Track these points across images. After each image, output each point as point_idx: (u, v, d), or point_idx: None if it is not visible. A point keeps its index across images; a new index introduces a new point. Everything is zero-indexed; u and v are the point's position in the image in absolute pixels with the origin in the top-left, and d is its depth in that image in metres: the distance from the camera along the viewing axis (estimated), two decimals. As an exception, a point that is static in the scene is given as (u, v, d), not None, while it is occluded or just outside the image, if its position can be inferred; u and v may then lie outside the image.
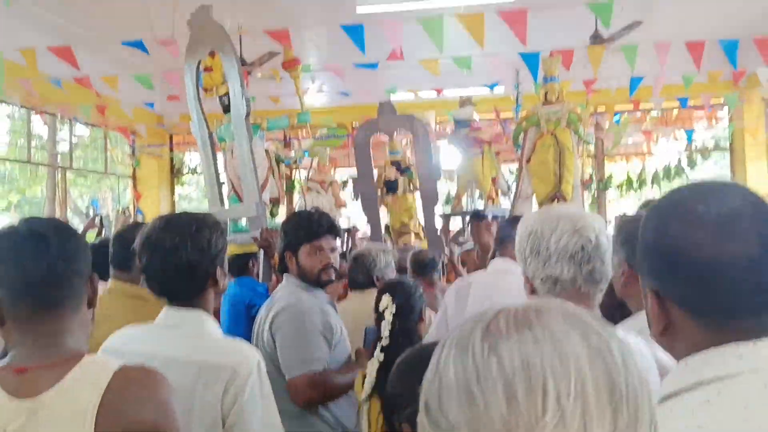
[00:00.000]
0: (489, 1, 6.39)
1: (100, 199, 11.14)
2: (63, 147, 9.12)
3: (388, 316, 2.31)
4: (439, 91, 7.57)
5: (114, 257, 2.43)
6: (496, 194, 6.47)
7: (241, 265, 3.80)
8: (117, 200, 11.13)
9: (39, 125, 8.73)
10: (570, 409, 0.53)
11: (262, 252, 3.54)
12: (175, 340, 1.72)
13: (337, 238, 2.77)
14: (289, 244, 2.74)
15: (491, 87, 7.59)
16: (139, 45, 5.48)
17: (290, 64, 5.57)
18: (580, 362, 0.55)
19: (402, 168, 7.15)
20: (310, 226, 2.68)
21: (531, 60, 5.98)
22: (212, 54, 3.72)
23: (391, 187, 7.02)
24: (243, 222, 3.99)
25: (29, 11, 6.05)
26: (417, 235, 6.83)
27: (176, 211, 1.95)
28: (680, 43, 5.78)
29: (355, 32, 5.38)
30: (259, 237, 3.44)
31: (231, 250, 3.82)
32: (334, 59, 7.01)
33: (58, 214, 8.42)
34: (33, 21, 6.32)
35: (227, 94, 3.82)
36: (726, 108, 9.11)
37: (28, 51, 5.57)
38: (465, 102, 6.38)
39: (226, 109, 3.86)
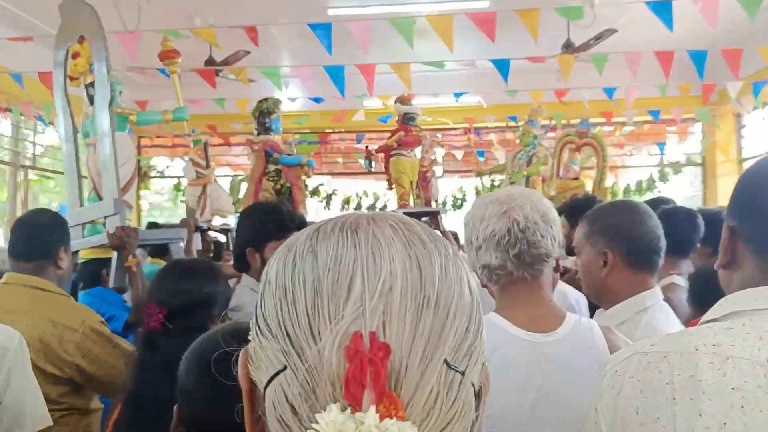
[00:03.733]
0: (460, 6, 6.39)
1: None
2: (30, 148, 8.90)
3: None
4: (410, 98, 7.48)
5: (13, 247, 2.33)
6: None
7: (90, 273, 3.36)
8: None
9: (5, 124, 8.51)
10: (371, 306, 0.52)
11: (115, 254, 3.17)
12: None
13: None
14: (254, 239, 2.48)
15: (457, 96, 7.54)
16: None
17: (167, 56, 5.10)
18: (393, 265, 0.54)
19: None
20: (282, 221, 2.43)
21: (502, 66, 5.94)
22: (81, 40, 3.47)
23: None
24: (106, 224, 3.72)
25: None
26: None
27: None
28: (651, 54, 5.77)
29: (324, 32, 5.29)
30: (114, 236, 3.08)
31: (84, 255, 3.45)
32: (305, 62, 6.91)
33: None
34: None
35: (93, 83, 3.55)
36: (698, 123, 9.15)
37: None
38: (407, 99, 6.24)
39: (92, 99, 3.55)
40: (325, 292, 0.54)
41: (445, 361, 0.53)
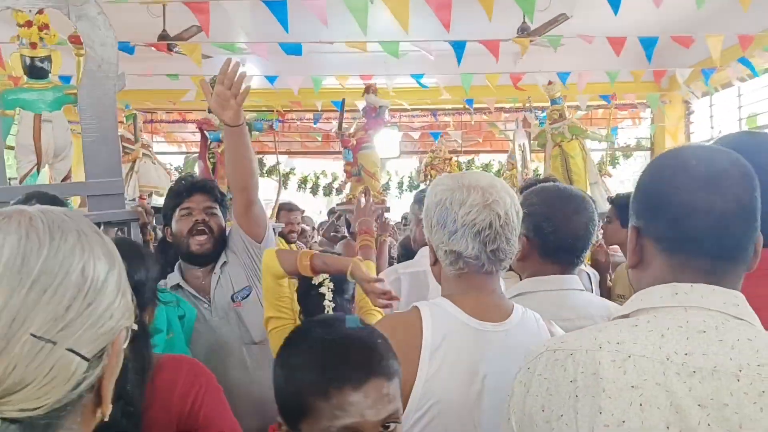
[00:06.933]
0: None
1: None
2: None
3: (328, 294, 2.02)
4: (367, 79, 7.42)
5: None
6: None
7: None
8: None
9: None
10: None
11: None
12: None
13: (215, 200, 2.47)
14: (164, 216, 2.51)
15: (418, 78, 7.52)
16: None
17: (78, 39, 4.95)
18: (1, 254, 0.66)
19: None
20: (177, 188, 2.46)
21: (459, 48, 5.96)
22: (41, 11, 3.40)
23: None
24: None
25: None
26: None
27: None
28: (604, 40, 5.85)
29: (280, 8, 5.21)
30: (142, 208, 3.06)
31: None
32: (260, 40, 6.81)
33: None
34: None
35: (46, 58, 3.62)
36: (649, 108, 9.34)
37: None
38: (369, 89, 5.90)
39: (37, 73, 3.63)
40: None
41: (32, 333, 0.64)
